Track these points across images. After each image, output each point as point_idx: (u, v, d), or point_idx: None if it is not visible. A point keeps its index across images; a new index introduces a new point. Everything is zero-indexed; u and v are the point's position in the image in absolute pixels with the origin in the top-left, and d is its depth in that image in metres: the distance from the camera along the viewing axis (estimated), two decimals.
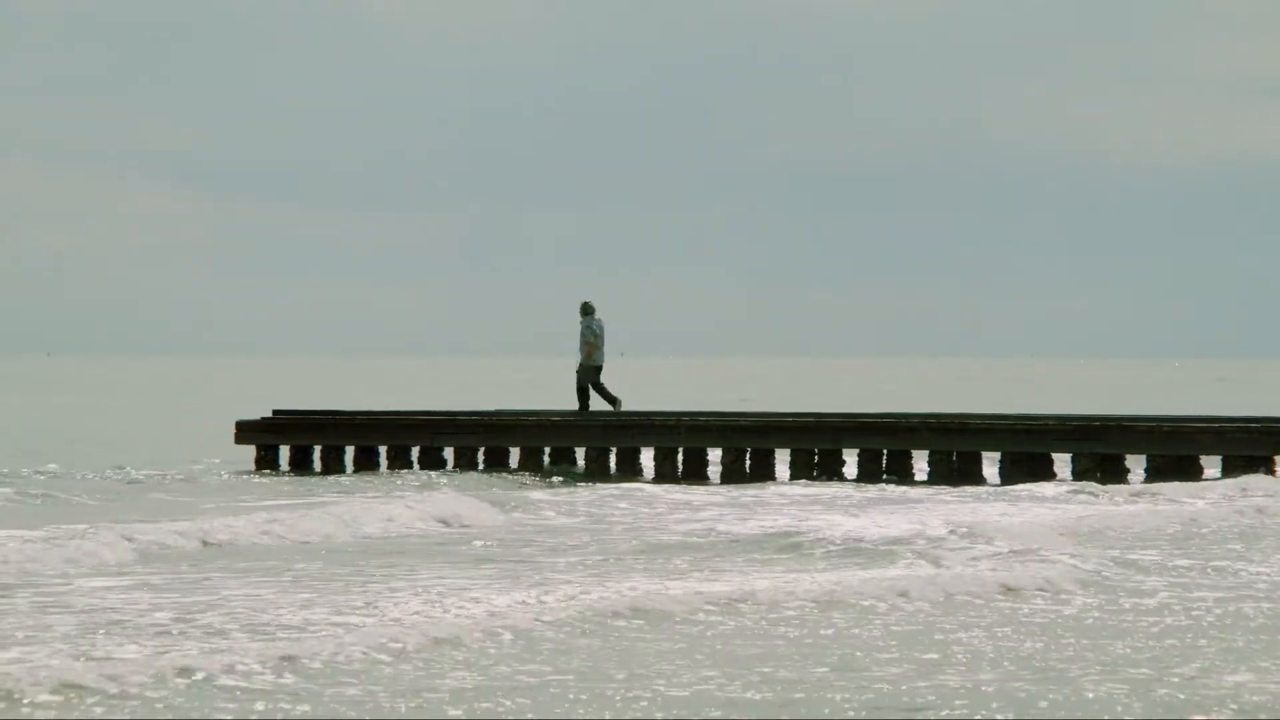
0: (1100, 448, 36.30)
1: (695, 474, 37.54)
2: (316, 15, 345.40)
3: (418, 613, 17.52)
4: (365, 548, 24.65)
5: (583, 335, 39.29)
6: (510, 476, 36.91)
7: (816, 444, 37.62)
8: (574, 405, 39.48)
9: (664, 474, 37.53)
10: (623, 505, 31.21)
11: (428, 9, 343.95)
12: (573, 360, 39.81)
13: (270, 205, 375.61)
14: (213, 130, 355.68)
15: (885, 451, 37.43)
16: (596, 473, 37.71)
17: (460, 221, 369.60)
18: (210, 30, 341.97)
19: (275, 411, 39.77)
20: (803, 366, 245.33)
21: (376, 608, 17.95)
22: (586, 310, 39.52)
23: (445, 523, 27.77)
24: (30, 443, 52.39)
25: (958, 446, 37.16)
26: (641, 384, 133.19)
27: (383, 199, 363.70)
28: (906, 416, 38.71)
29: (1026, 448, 36.78)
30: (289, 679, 14.28)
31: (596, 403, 39.51)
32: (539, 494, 33.27)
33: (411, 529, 26.95)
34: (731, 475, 37.27)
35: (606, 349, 39.63)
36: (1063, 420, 37.68)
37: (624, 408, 39.36)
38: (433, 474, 37.19)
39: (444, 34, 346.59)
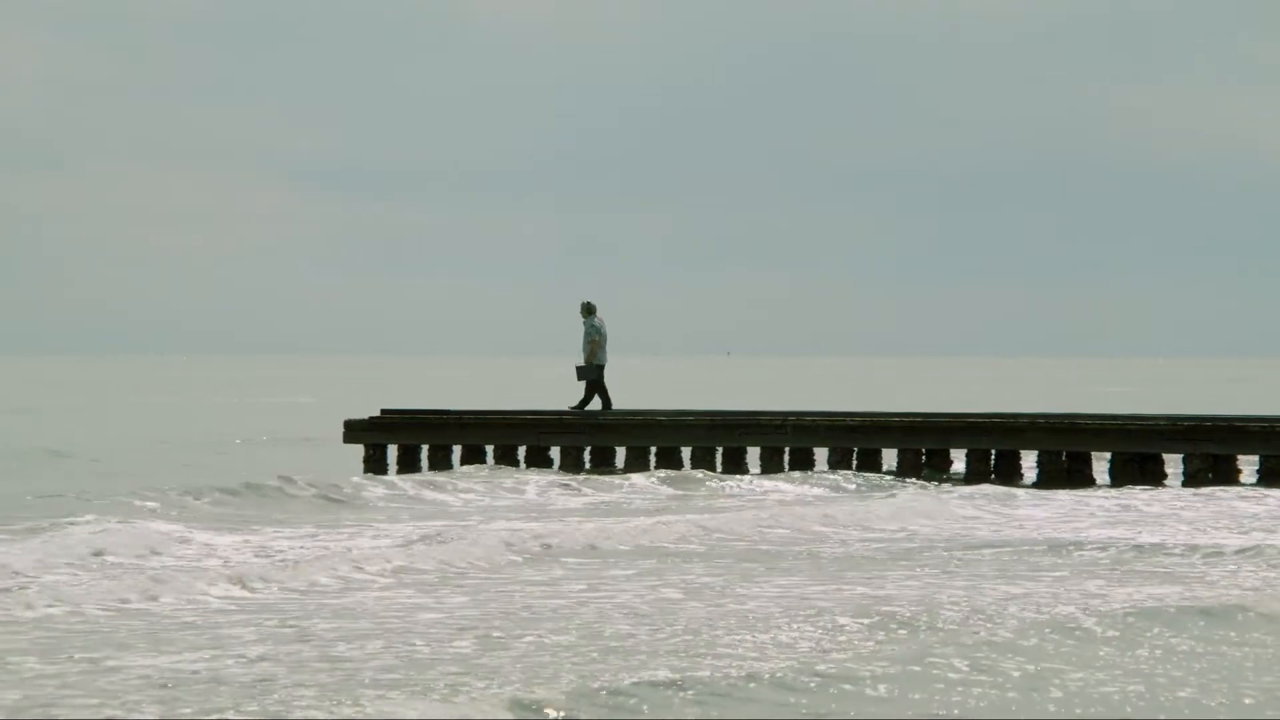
0: (1212, 448, 35.90)
1: (802, 474, 37.32)
2: (430, 18, 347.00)
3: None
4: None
5: (586, 335, 39.30)
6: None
7: (924, 444, 37.42)
8: (590, 404, 39.50)
9: (770, 473, 37.39)
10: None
11: (538, 10, 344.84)
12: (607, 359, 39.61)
13: (384, 205, 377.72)
14: (329, 132, 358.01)
15: (993, 452, 37.20)
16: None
17: (568, 222, 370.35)
18: (326, 33, 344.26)
19: (383, 411, 39.90)
20: (906, 366, 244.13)
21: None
22: (589, 310, 39.52)
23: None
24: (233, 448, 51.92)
25: (1067, 447, 36.86)
26: (746, 383, 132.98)
27: (493, 199, 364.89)
28: (1015, 416, 38.42)
29: (1137, 448, 36.44)
30: None
31: (596, 402, 39.62)
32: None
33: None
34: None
35: (609, 349, 39.67)
36: (1174, 420, 37.28)
37: (730, 409, 39.28)
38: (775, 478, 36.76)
39: (554, 35, 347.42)
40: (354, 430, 39.17)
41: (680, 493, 34.73)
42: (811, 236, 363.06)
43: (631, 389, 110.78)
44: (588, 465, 38.37)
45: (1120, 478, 36.07)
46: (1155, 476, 36.12)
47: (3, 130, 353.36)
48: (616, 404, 39.90)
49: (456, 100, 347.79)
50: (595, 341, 39.24)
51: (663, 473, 36.86)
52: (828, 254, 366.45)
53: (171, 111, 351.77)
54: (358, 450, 39.31)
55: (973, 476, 36.74)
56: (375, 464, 38.78)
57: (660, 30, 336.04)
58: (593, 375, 39.30)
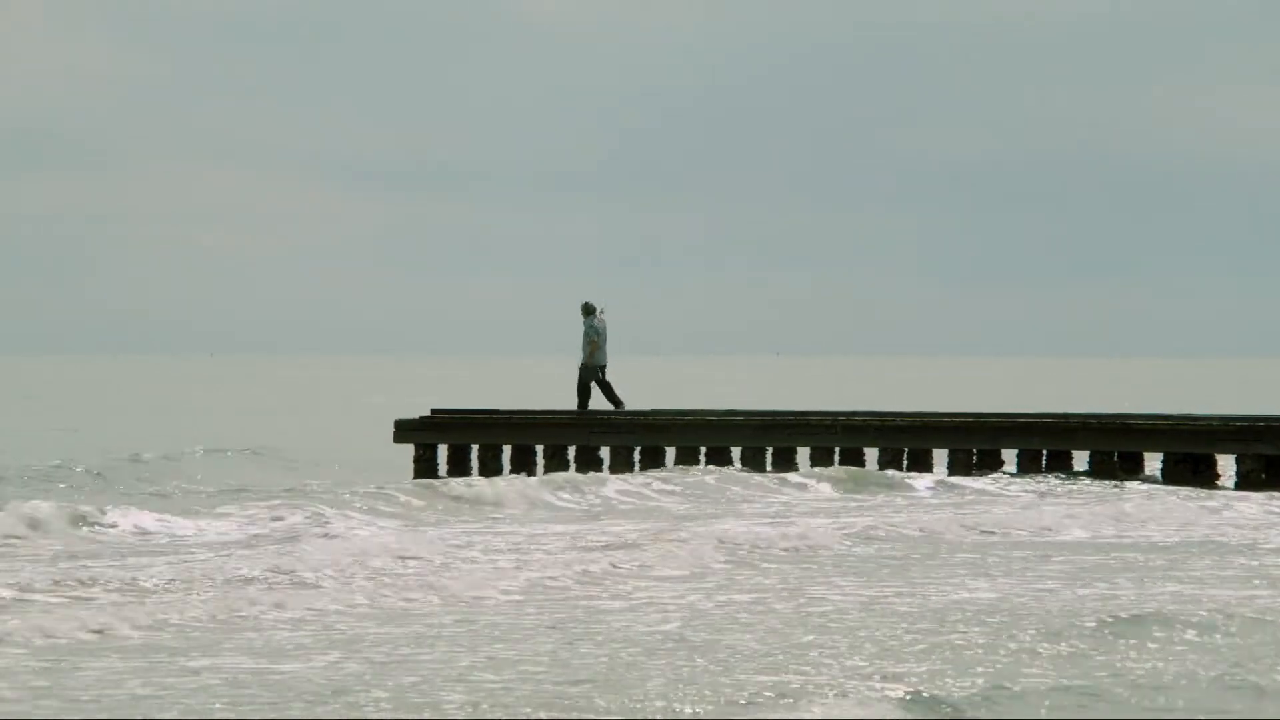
0: (1266, 448, 35.67)
1: None
2: (479, 18, 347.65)
3: None
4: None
5: (585, 335, 39.31)
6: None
7: (975, 444, 37.30)
8: (582, 405, 39.50)
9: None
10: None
11: (588, 10, 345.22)
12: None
13: (434, 205, 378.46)
14: (378, 132, 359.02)
15: (1045, 452, 37.06)
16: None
17: (616, 221, 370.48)
18: (374, 33, 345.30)
19: (433, 410, 39.94)
20: (966, 366, 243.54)
21: None
22: (588, 310, 39.52)
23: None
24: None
25: (1119, 447, 36.70)
26: (798, 383, 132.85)
27: (542, 199, 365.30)
28: (1067, 416, 38.29)
29: (1189, 448, 36.24)
30: None
31: (599, 401, 39.58)
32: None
33: None
34: None
35: (609, 349, 39.61)
36: (1226, 420, 37.08)
37: (779, 409, 39.21)
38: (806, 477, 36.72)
39: (606, 33, 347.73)
40: (404, 430, 39.21)
41: (864, 494, 34.68)
42: (855, 236, 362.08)
43: (683, 389, 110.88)
44: (637, 465, 38.35)
45: (1172, 478, 35.87)
46: (1208, 478, 35.91)
47: (47, 130, 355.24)
48: (661, 404, 39.90)
49: (505, 101, 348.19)
50: (594, 342, 39.26)
51: (830, 470, 36.62)
52: (870, 253, 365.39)
53: (217, 111, 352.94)
54: (406, 450, 39.37)
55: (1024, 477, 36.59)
56: (425, 464, 38.81)
57: (709, 30, 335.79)
58: (593, 375, 39.31)
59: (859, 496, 34.39)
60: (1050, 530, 27.71)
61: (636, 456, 38.50)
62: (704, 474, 36.36)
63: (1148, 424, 37.10)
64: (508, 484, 33.97)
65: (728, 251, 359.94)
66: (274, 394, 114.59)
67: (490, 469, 38.36)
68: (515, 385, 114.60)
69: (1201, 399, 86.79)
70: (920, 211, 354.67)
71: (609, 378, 39.65)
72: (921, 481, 36.00)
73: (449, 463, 38.86)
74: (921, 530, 27.28)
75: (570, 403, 40.23)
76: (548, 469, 38.25)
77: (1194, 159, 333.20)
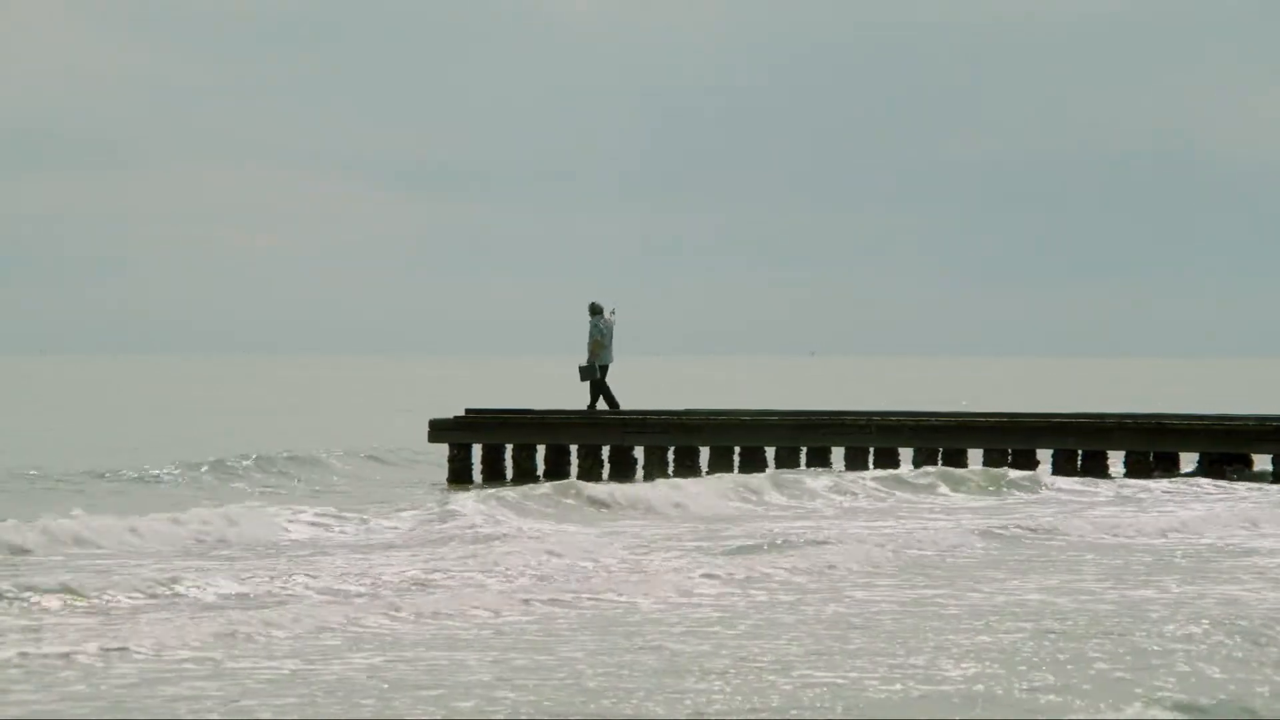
0: None
1: None
2: (508, 17, 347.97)
3: None
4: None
5: (590, 335, 39.26)
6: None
7: (1010, 444, 37.22)
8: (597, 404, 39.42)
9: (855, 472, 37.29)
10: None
11: (615, 10, 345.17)
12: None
13: (463, 205, 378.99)
14: (409, 131, 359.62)
15: (1080, 452, 36.98)
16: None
17: (647, 220, 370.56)
18: (405, 33, 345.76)
19: (468, 410, 39.98)
20: (1006, 366, 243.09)
21: None
22: (594, 310, 39.48)
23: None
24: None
25: (1155, 447, 36.61)
26: (832, 382, 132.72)
27: (573, 198, 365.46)
28: (1102, 417, 38.21)
29: (1225, 448, 36.15)
30: None
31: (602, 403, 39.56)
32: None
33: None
34: None
35: (614, 349, 39.56)
36: (1263, 420, 36.97)
37: (814, 408, 39.16)
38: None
39: (633, 32, 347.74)
40: (438, 430, 39.26)
41: (1001, 494, 34.62)
42: (856, 236, 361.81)
43: (718, 389, 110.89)
44: (671, 465, 38.33)
45: (1209, 478, 35.77)
46: (1244, 477, 35.78)
47: (86, 131, 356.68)
48: (691, 404, 39.88)
49: (505, 100, 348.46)
50: (597, 342, 39.25)
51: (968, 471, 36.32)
52: (871, 253, 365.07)
53: (253, 112, 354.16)
54: (441, 449, 39.44)
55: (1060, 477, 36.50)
56: (460, 464, 38.86)
57: (733, 28, 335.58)
58: (593, 376, 39.31)
59: (1024, 496, 34.23)
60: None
61: (670, 456, 38.49)
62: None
63: (1184, 424, 37.00)
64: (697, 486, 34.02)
65: (728, 252, 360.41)
66: (283, 394, 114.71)
67: (524, 469, 38.40)
68: (519, 385, 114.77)
69: (1208, 399, 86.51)
70: (921, 211, 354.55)
71: (608, 379, 39.62)
72: (1066, 483, 35.48)
73: (483, 463, 38.91)
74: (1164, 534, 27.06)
75: (582, 402, 40.24)
76: (581, 469, 38.27)
77: (1194, 158, 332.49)
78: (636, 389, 39.01)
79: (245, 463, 40.97)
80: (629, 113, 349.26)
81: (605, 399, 39.45)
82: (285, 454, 42.31)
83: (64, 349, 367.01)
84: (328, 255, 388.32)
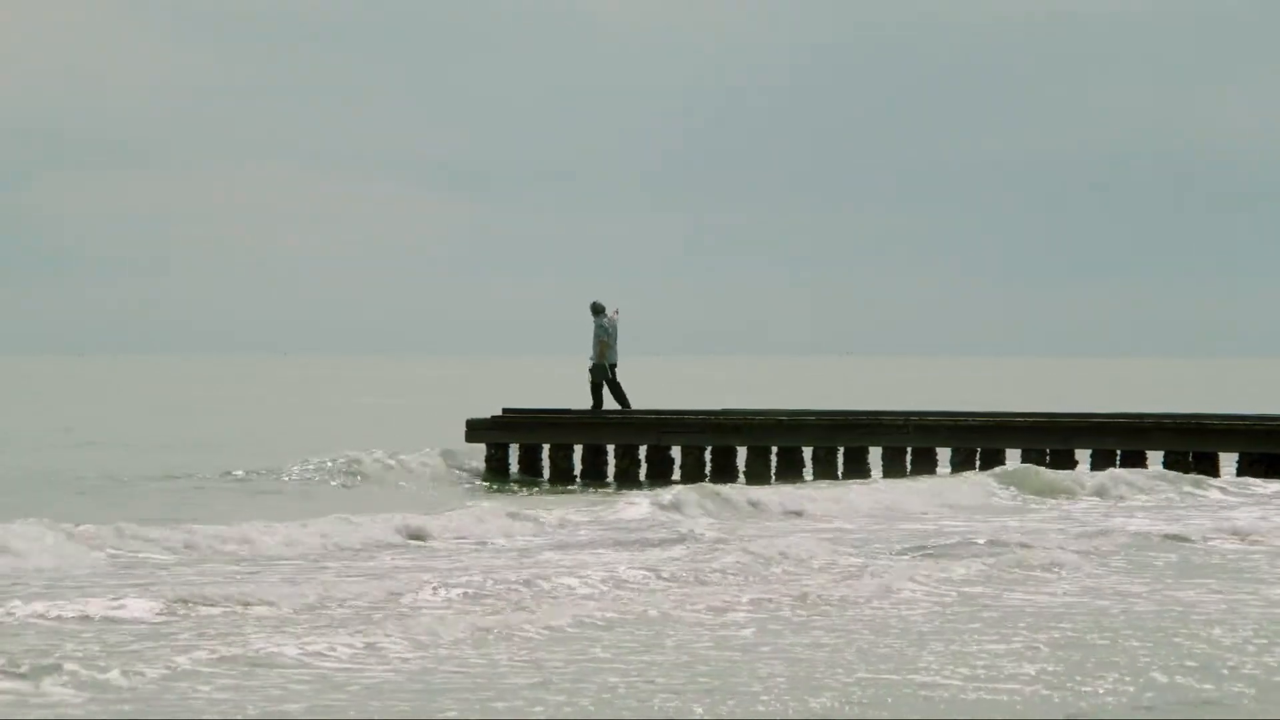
0: None
1: (924, 473, 37.12)
2: (541, 17, 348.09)
3: None
4: None
5: (596, 335, 39.12)
6: None
7: (1048, 444, 37.09)
8: (606, 404, 39.36)
9: (892, 473, 37.22)
10: None
11: (657, 10, 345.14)
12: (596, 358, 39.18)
13: (506, 206, 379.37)
14: (442, 131, 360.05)
15: (1119, 452, 36.84)
16: (822, 474, 37.51)
17: (678, 220, 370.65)
18: (447, 34, 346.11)
19: (505, 410, 39.99)
20: (1045, 367, 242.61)
21: None
22: (597, 310, 39.34)
23: None
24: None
25: (1194, 447, 36.46)
26: (870, 383, 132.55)
27: (605, 199, 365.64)
28: (1141, 417, 38.06)
29: (1265, 448, 35.99)
30: None
31: (607, 401, 39.46)
32: None
33: None
34: None
35: (620, 348, 39.45)
36: None
37: (852, 409, 39.08)
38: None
39: (667, 32, 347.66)
40: (476, 429, 39.28)
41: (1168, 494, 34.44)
42: (924, 235, 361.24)
43: (755, 389, 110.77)
44: (709, 466, 38.28)
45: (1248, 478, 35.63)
46: None
47: (131, 132, 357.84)
48: (731, 404, 39.80)
49: (577, 101, 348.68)
50: (604, 341, 39.17)
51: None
52: (942, 253, 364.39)
53: (295, 113, 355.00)
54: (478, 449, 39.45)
55: None
56: (497, 463, 38.87)
57: (774, 29, 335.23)
58: (604, 374, 39.24)
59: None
60: None
61: (708, 457, 38.45)
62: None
63: (1223, 424, 36.84)
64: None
65: (733, 251, 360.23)
66: (294, 393, 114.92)
67: (561, 469, 38.40)
68: (552, 385, 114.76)
69: (1219, 398, 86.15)
70: (921, 211, 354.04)
71: (614, 377, 39.60)
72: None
73: (520, 462, 38.94)
74: None
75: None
76: (619, 469, 38.28)
77: (1194, 157, 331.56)
78: (658, 388, 38.95)
79: (373, 461, 40.28)
80: (633, 114, 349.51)
81: (616, 397, 39.36)
82: (377, 456, 40.99)
83: (96, 349, 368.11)
84: (351, 255, 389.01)
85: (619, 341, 39.60)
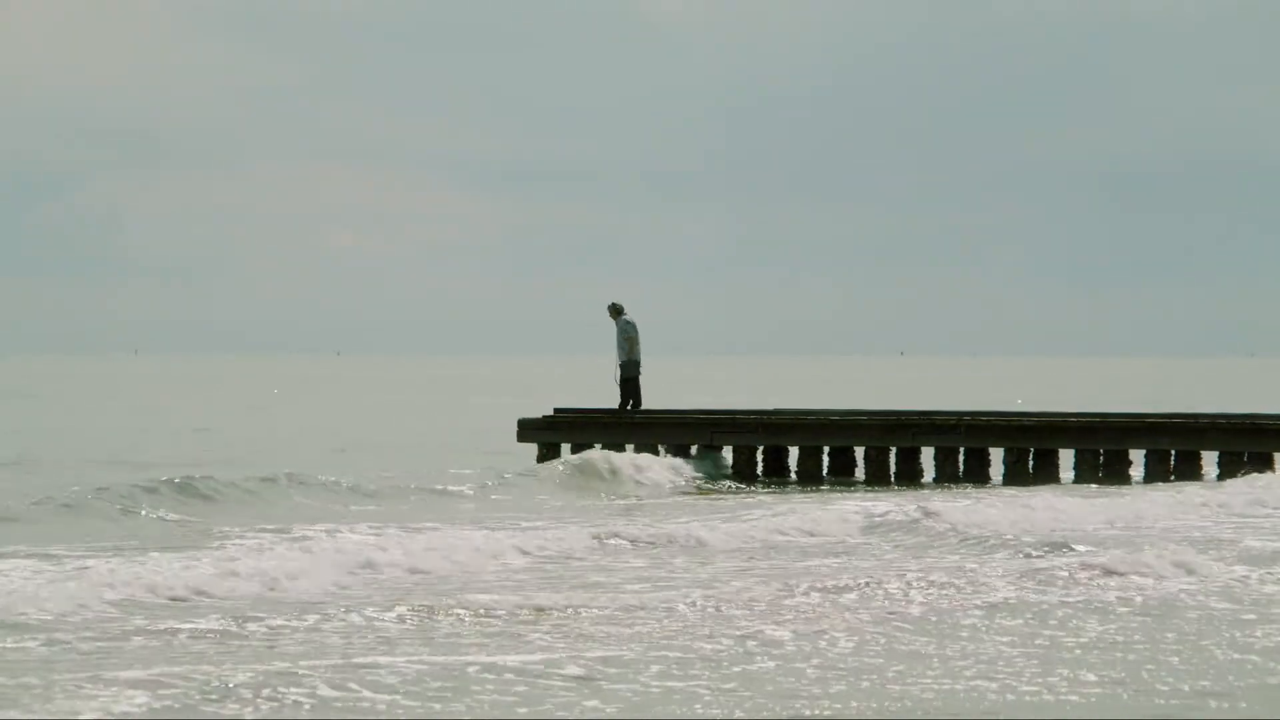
0: None
1: (976, 475, 37.01)
2: (595, 16, 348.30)
3: None
4: None
5: (624, 333, 38.82)
6: None
7: (1101, 444, 36.89)
8: (640, 404, 39.26)
9: (945, 474, 37.10)
10: None
11: (709, 10, 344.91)
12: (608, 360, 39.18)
13: (554, 206, 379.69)
14: (493, 131, 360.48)
15: (1173, 452, 36.62)
16: (874, 475, 37.41)
17: (735, 219, 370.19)
18: (496, 34, 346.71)
19: (556, 410, 39.98)
20: (1102, 366, 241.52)
21: None
22: (619, 310, 39.08)
23: None
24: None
25: (1249, 448, 36.21)
26: (922, 384, 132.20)
27: (661, 200, 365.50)
28: (1195, 417, 37.83)
29: None
30: None
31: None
32: None
33: None
34: (1014, 476, 36.74)
35: (641, 347, 39.34)
36: None
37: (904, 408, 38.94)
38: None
39: (723, 31, 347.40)
40: (527, 429, 39.28)
41: None
42: (977, 235, 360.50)
43: (806, 389, 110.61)
44: (760, 466, 38.22)
45: None
46: None
47: (183, 131, 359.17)
48: (782, 404, 39.66)
49: (625, 101, 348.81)
50: (632, 339, 38.97)
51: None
52: (994, 253, 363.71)
53: (345, 113, 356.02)
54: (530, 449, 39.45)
55: (1152, 478, 36.18)
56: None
57: (829, 29, 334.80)
58: (633, 372, 39.09)
59: None
60: None
61: (759, 456, 38.39)
62: None
63: (1278, 424, 36.58)
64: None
65: (785, 250, 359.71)
66: (365, 394, 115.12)
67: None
68: (581, 383, 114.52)
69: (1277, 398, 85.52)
70: (974, 211, 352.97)
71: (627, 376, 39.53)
72: None
73: None
74: None
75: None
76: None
77: (1256, 158, 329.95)
78: (708, 388, 38.74)
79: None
80: (681, 113, 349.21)
81: (632, 397, 39.23)
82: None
83: (151, 349, 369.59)
84: (402, 254, 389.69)
85: (639, 341, 39.45)
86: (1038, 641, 16.22)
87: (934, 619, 17.36)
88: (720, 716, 12.94)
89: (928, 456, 37.81)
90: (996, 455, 37.57)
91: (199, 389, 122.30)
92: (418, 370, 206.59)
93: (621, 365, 39.18)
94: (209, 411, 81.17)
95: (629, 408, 39.22)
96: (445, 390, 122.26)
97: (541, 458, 38.99)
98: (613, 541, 24.23)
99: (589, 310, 38.96)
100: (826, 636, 16.20)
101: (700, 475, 37.65)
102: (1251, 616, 17.77)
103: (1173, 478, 36.04)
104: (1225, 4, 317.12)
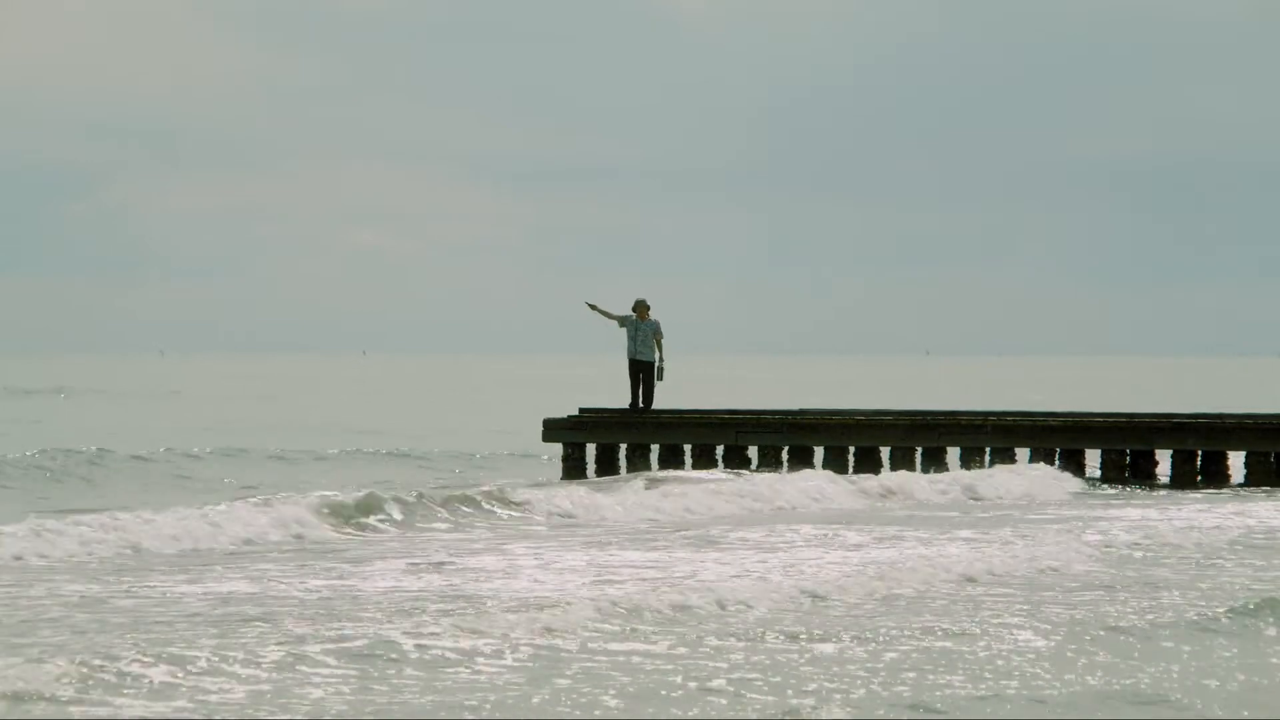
0: None
1: None
2: (621, 15, 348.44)
3: None
4: None
5: (650, 332, 38.65)
6: None
7: (1128, 444, 36.81)
8: (656, 403, 39.14)
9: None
10: None
11: (738, 8, 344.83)
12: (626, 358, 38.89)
13: (585, 204, 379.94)
14: (518, 130, 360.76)
15: (1200, 453, 36.51)
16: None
17: (761, 219, 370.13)
18: (529, 33, 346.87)
19: (581, 409, 39.98)
20: (1127, 366, 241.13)
21: None
22: (644, 308, 38.87)
23: None
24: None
25: (1276, 448, 36.08)
26: (951, 383, 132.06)
27: (690, 198, 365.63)
28: (1222, 417, 37.72)
29: None
30: None
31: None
32: None
33: None
34: None
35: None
36: None
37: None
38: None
39: (749, 31, 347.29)
40: (552, 429, 39.28)
41: None
42: (1003, 235, 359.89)
43: (832, 389, 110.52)
44: (785, 465, 38.20)
45: None
46: None
47: (209, 131, 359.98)
48: (808, 403, 39.57)
49: (651, 100, 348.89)
50: (660, 337, 38.80)
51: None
52: (1020, 253, 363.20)
53: (371, 113, 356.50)
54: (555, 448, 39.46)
55: (1179, 479, 36.08)
56: (574, 463, 38.85)
57: (854, 27, 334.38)
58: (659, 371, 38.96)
59: None
60: None
61: (785, 456, 38.37)
62: None
63: None
64: None
65: (812, 250, 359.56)
66: (395, 389, 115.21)
67: (638, 468, 38.34)
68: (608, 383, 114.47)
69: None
70: (1001, 211, 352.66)
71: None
72: None
73: (597, 462, 38.91)
74: None
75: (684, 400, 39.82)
76: (695, 469, 38.17)
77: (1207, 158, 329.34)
78: (734, 388, 38.78)
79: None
80: (729, 112, 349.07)
81: (646, 395, 39.09)
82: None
83: (177, 349, 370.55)
84: (458, 254, 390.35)
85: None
86: None
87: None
88: None
89: (953, 456, 37.77)
90: (1023, 455, 37.53)
91: (316, 386, 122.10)
92: (458, 369, 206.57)
93: (658, 368, 38.92)
94: (368, 408, 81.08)
95: (640, 406, 39.13)
96: (518, 387, 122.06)
97: (566, 458, 38.99)
98: None
99: (620, 308, 38.85)
100: None
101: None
102: None
103: (1200, 479, 35.93)
104: (1255, 6, 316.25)
